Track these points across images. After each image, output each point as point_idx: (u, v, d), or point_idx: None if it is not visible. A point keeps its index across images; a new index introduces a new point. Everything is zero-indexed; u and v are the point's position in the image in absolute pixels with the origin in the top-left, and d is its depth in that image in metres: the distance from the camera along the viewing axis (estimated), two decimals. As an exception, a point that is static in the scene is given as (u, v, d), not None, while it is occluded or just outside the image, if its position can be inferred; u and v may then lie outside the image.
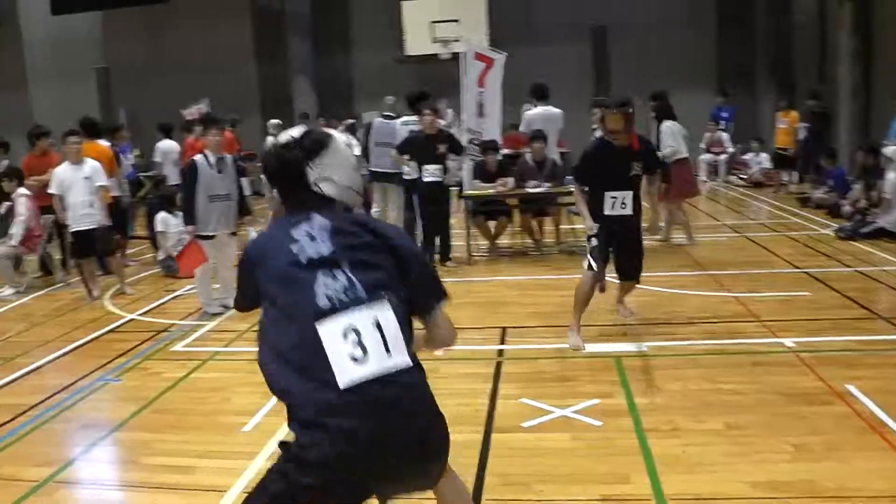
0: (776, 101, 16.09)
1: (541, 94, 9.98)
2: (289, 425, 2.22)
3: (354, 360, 2.15)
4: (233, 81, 18.68)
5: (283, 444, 2.25)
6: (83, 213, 8.15)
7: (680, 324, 6.29)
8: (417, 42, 18.09)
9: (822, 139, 13.95)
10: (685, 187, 9.68)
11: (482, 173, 9.26)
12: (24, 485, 4.02)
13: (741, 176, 16.34)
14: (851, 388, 4.69)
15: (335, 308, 2.20)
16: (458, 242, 9.36)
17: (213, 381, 5.55)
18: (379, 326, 2.20)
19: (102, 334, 6.99)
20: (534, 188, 9.00)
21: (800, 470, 3.75)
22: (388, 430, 2.13)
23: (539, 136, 9.22)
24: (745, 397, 4.67)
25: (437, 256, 8.88)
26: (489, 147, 9.35)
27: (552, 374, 5.25)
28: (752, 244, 9.61)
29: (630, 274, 6.06)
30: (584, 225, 5.91)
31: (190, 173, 7.15)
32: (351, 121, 13.24)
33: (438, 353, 5.30)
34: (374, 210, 10.34)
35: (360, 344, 2.17)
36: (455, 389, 4.95)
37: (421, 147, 8.71)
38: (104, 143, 9.67)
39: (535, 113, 9.84)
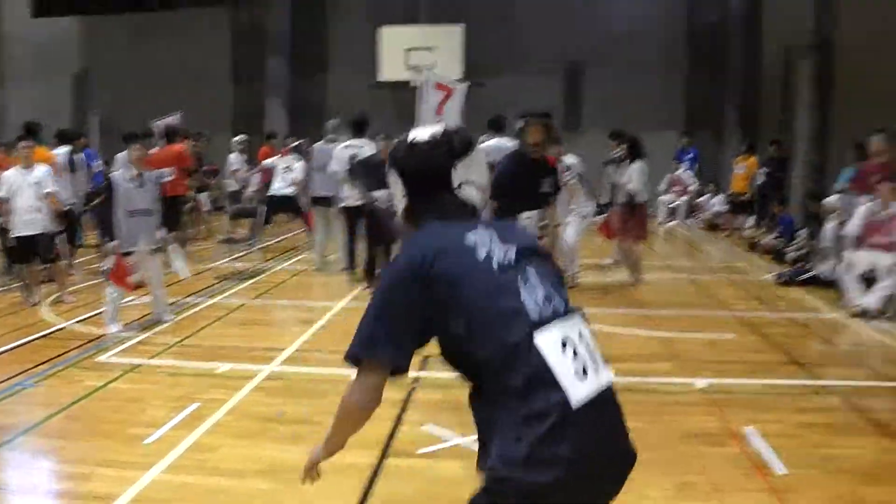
0: (738, 146, 16.43)
1: (496, 126, 10.12)
2: (499, 459, 1.94)
3: (578, 374, 1.95)
4: (208, 96, 18.78)
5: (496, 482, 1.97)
6: (28, 219, 8.17)
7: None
8: (392, 68, 18.29)
9: (779, 186, 14.23)
10: (643, 230, 9.78)
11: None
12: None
13: (697, 218, 16.62)
14: (749, 430, 4.79)
15: (545, 318, 1.99)
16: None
17: (130, 392, 5.56)
18: (582, 337, 2.04)
19: (32, 340, 6.97)
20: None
21: (680, 509, 3.83)
22: (609, 450, 2.00)
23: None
24: (644, 436, 4.67)
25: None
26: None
27: (462, 402, 5.25)
28: (694, 286, 9.75)
29: None
30: None
31: (107, 189, 7.15)
32: (297, 142, 13.17)
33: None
34: (317, 235, 10.39)
35: (578, 356, 1.98)
36: (363, 413, 5.02)
37: (373, 172, 8.77)
38: (59, 150, 9.72)
39: (489, 145, 9.95)
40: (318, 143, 10.39)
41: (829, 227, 9.42)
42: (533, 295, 2.02)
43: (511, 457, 1.91)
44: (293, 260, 11.14)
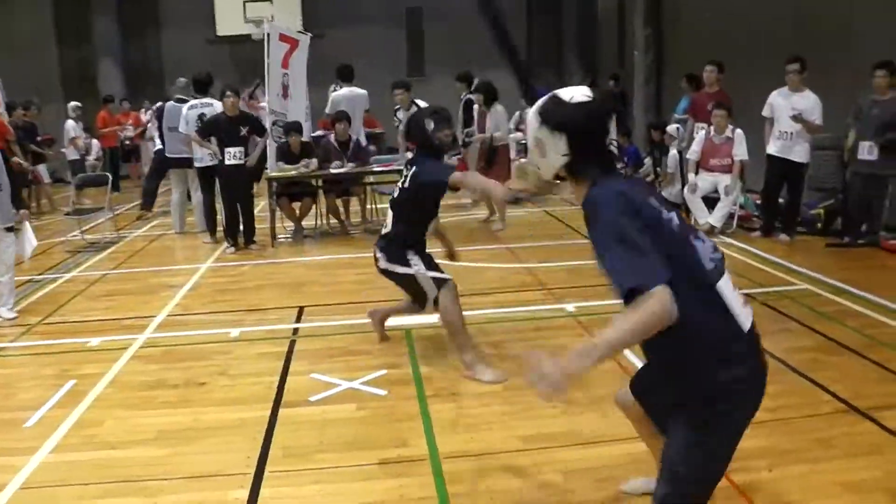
0: (581, 83, 16.98)
1: (345, 76, 10.02)
2: (709, 382, 2.25)
3: (742, 306, 2.29)
4: (34, 63, 17.46)
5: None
6: None
7: (471, 295, 6.49)
8: (230, 22, 17.69)
9: (620, 118, 14.88)
10: (506, 171, 9.85)
11: (286, 155, 9.19)
12: None
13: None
14: (619, 346, 5.11)
15: (718, 265, 2.30)
16: (262, 225, 9.19)
17: (-2, 377, 5.25)
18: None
19: None
20: (337, 169, 9.03)
21: (566, 423, 4.06)
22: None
23: (342, 116, 9.25)
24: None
25: (240, 240, 8.74)
26: (293, 128, 9.27)
27: (343, 349, 5.34)
28: (552, 218, 10.13)
29: None
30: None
31: None
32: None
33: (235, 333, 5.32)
34: (175, 196, 10.01)
35: (738, 293, 2.31)
36: (247, 370, 4.99)
37: (223, 129, 8.53)
38: None
39: (340, 94, 9.87)
40: (169, 102, 9.96)
41: (672, 153, 9.98)
42: (706, 248, 2.31)
43: (720, 377, 2.24)
44: (149, 226, 10.70)
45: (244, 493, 3.42)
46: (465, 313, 5.96)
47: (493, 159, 9.59)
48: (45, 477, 3.72)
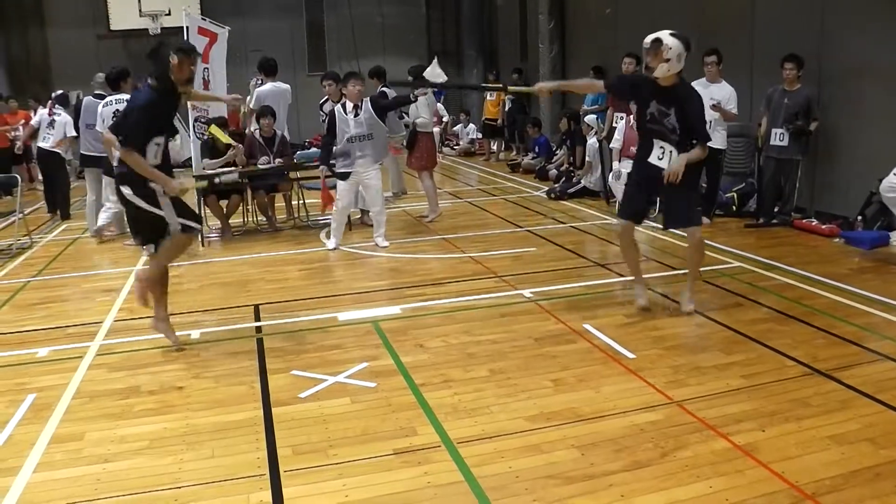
0: (485, 77, 17.28)
1: (269, 70, 9.82)
2: None
3: None
4: None
5: None
6: None
7: (427, 285, 6.60)
8: (123, 16, 17.01)
9: (526, 110, 15.24)
10: (431, 158, 9.70)
11: (211, 151, 8.93)
12: None
13: (454, 146, 17.31)
14: (588, 327, 5.31)
15: None
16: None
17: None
18: None
19: None
20: (265, 165, 8.87)
21: (563, 400, 4.19)
22: None
23: (267, 111, 9.06)
24: (502, 345, 5.07)
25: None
26: (218, 123, 9.00)
27: (315, 344, 5.27)
28: (475, 208, 10.26)
29: None
30: None
31: None
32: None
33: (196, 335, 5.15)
34: (90, 197, 9.53)
35: None
36: (222, 371, 4.85)
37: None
38: None
39: (265, 89, 9.65)
40: (87, 98, 9.48)
41: (590, 142, 10.29)
42: None
43: None
44: (59, 230, 10.14)
45: (267, 495, 3.34)
46: (428, 303, 6.05)
47: (414, 144, 9.56)
48: (40, 497, 3.45)
